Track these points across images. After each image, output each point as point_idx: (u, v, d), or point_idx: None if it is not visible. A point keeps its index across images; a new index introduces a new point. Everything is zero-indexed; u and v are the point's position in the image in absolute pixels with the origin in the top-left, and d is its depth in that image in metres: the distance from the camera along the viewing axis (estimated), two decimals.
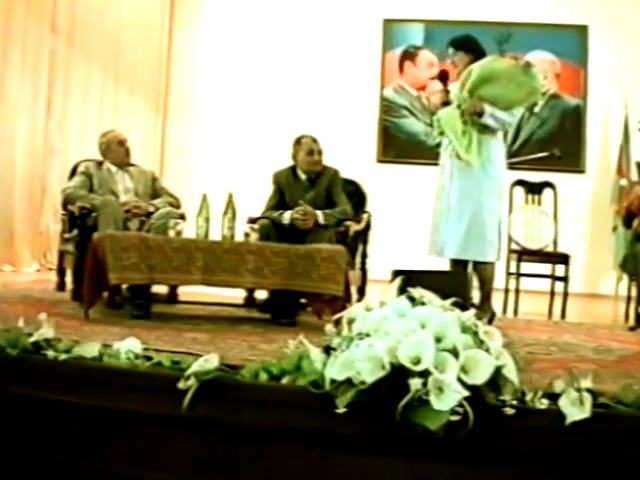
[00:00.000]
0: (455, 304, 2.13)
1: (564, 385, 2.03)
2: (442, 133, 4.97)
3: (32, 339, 2.49)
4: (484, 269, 4.98)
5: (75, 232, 5.30)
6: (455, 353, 1.95)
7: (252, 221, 5.25)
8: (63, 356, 2.41)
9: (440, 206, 5.04)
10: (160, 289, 5.09)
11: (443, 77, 5.10)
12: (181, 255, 4.48)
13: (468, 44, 5.10)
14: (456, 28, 9.05)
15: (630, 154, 8.98)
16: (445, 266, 5.13)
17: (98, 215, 5.06)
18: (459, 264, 4.99)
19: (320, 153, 5.34)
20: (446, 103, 5.02)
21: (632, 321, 5.64)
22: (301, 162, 5.32)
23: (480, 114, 4.85)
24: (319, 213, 5.11)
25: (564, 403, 1.98)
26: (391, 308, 2.09)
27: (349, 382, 1.99)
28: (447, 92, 5.05)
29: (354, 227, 5.36)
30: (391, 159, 9.87)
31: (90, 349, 2.44)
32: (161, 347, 2.90)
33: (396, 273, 2.51)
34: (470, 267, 5.01)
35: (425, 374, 1.92)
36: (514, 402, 1.99)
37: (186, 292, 5.29)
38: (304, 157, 5.30)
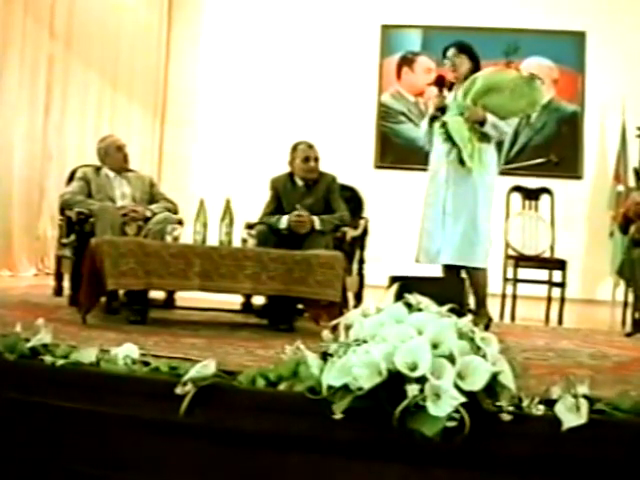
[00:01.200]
0: (452, 310, 2.13)
1: (561, 391, 2.03)
2: (450, 139, 4.94)
3: (30, 344, 2.48)
4: (476, 275, 4.99)
5: (73, 237, 5.30)
6: (452, 359, 1.96)
7: (249, 227, 5.26)
8: (61, 361, 2.41)
9: (433, 212, 5.04)
10: (157, 294, 5.09)
11: (440, 82, 5.10)
12: (178, 261, 4.48)
13: (472, 51, 5.11)
14: (454, 34, 9.05)
15: (627, 160, 9.00)
16: (439, 273, 5.13)
17: (95, 221, 5.07)
18: (452, 270, 5.00)
19: (316, 160, 5.36)
20: (441, 109, 5.02)
21: (629, 327, 5.64)
22: (297, 169, 5.34)
23: (482, 123, 4.88)
24: (315, 219, 5.13)
25: (560, 409, 1.98)
26: (388, 314, 2.09)
27: (346, 388, 1.99)
28: (443, 97, 5.05)
29: (351, 233, 5.37)
30: (389, 165, 9.88)
31: (88, 354, 2.44)
32: (158, 352, 2.90)
33: (393, 279, 2.52)
34: (463, 273, 5.02)
35: (422, 380, 1.92)
36: (511, 408, 1.99)
37: (183, 298, 5.29)
38: (300, 164, 5.32)
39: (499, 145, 5.19)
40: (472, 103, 4.90)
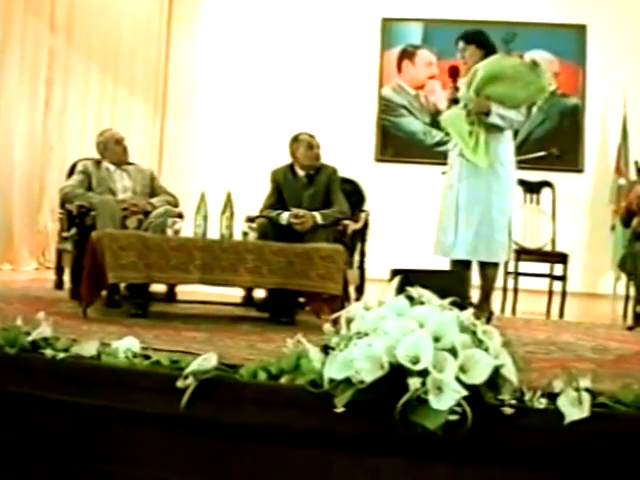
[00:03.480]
0: (454, 303, 2.12)
1: (563, 385, 2.03)
2: (447, 133, 4.91)
3: (30, 338, 2.48)
4: (488, 269, 4.95)
5: (73, 231, 5.30)
6: (454, 352, 1.95)
7: (250, 220, 5.25)
8: (61, 355, 2.41)
9: (447, 205, 4.96)
10: (158, 288, 5.09)
11: (453, 73, 5.02)
12: (179, 254, 4.48)
13: (480, 39, 5.00)
14: (454, 27, 9.03)
15: (628, 153, 8.98)
16: (446, 265, 5.10)
17: (96, 214, 5.06)
18: (461, 263, 4.94)
19: (318, 147, 5.36)
20: (455, 100, 4.95)
21: (630, 320, 5.64)
22: (302, 158, 5.32)
23: (487, 113, 4.78)
24: (317, 214, 5.12)
25: (563, 403, 1.98)
26: (390, 307, 2.09)
27: (348, 381, 1.98)
28: (456, 89, 4.98)
29: (352, 226, 5.36)
30: (389, 158, 9.87)
31: (88, 348, 2.44)
32: (159, 346, 2.90)
33: (395, 272, 2.51)
34: (473, 266, 4.99)
35: (424, 373, 1.92)
36: (513, 401, 1.99)
37: (184, 291, 5.29)
38: (305, 152, 5.30)
39: None
40: (475, 94, 4.81)
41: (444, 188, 5.06)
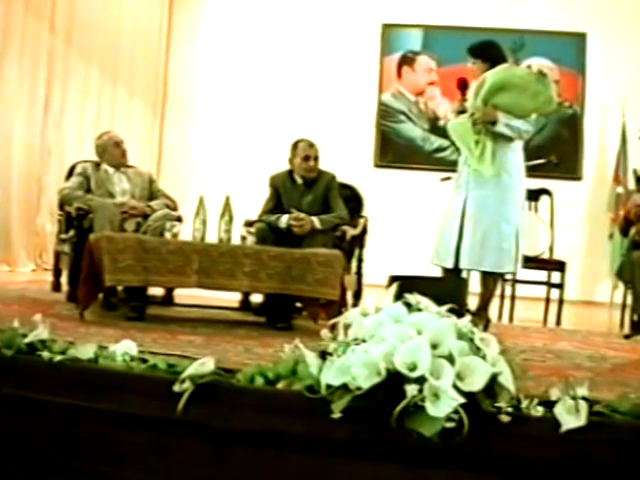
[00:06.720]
0: (451, 310, 2.12)
1: (560, 393, 2.03)
2: (453, 142, 4.88)
3: (27, 340, 2.47)
4: (492, 279, 4.91)
5: (71, 233, 5.30)
6: (451, 360, 1.95)
7: (249, 224, 5.25)
8: (58, 357, 2.40)
9: (452, 214, 4.89)
10: (156, 291, 5.09)
11: (462, 86, 5.00)
12: (177, 257, 4.48)
13: (485, 51, 4.98)
14: (454, 34, 9.11)
15: (627, 162, 9.00)
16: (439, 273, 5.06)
17: (94, 216, 5.06)
18: (453, 271, 4.90)
19: (316, 159, 5.34)
20: (462, 112, 4.91)
21: (627, 329, 5.64)
22: (297, 167, 5.33)
23: (493, 122, 4.74)
24: (315, 219, 5.12)
25: (559, 411, 1.97)
26: (387, 314, 2.09)
27: (345, 387, 1.98)
28: (465, 101, 4.95)
29: (350, 231, 5.36)
30: (388, 164, 9.87)
31: (85, 351, 2.43)
32: (156, 350, 2.89)
33: (392, 279, 2.51)
34: (465, 273, 4.97)
35: (421, 380, 1.91)
36: (510, 409, 1.98)
37: (182, 295, 5.29)
38: (300, 163, 5.30)
39: None
40: (483, 103, 4.76)
41: (450, 197, 4.99)
